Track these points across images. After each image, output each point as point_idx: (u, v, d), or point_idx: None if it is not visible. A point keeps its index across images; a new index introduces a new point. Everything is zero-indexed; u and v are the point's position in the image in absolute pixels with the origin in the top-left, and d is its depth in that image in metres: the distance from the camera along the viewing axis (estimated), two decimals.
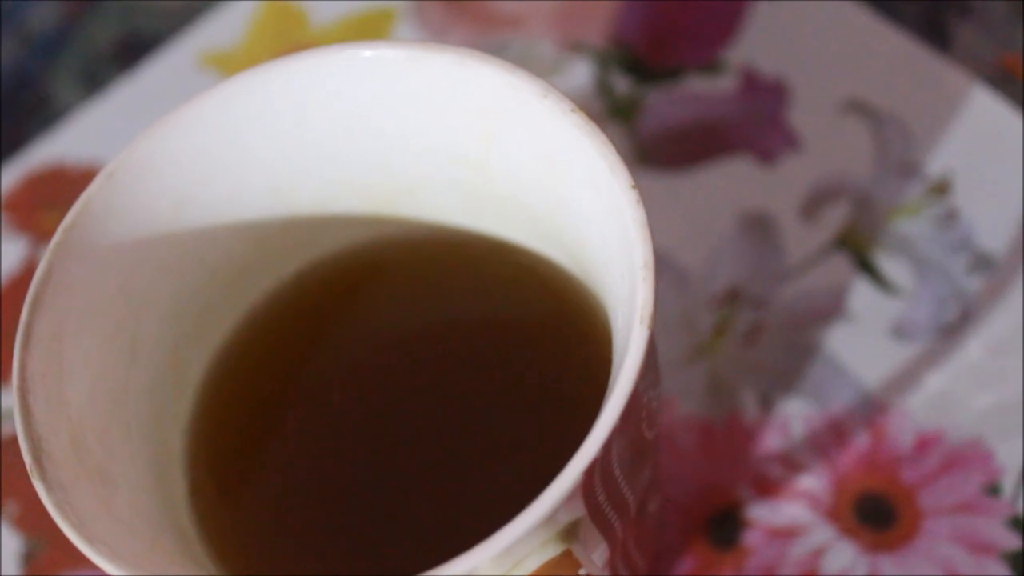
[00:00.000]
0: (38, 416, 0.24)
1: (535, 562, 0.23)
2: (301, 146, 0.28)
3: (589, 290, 0.27)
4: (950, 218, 0.36)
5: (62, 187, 0.42)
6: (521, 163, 0.27)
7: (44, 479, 0.24)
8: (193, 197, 0.28)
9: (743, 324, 0.36)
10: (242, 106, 0.28)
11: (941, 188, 0.37)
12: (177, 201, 0.28)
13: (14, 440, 0.38)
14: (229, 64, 0.43)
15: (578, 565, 0.23)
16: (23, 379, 0.25)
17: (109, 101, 0.43)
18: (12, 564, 0.36)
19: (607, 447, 0.22)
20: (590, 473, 0.22)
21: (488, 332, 0.29)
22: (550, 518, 0.22)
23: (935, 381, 0.35)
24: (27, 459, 0.24)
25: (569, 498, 0.22)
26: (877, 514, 0.33)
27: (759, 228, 0.37)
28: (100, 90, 0.43)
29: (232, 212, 0.28)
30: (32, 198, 0.42)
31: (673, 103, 0.39)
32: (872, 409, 0.34)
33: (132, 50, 0.44)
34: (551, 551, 0.23)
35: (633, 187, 0.24)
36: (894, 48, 0.39)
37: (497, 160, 0.27)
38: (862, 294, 0.36)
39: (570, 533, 0.24)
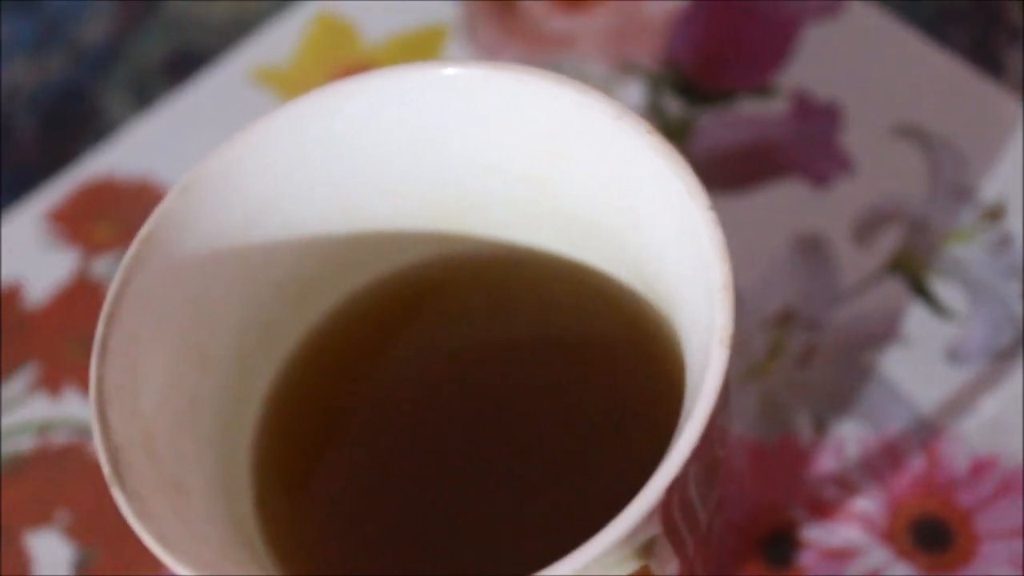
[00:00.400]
0: (115, 427, 0.25)
1: None
2: (370, 163, 0.28)
3: (658, 311, 0.27)
4: (1004, 243, 0.36)
5: (111, 200, 0.42)
6: (590, 183, 0.27)
7: (124, 489, 0.24)
8: (263, 212, 0.28)
9: (796, 346, 0.36)
10: (315, 123, 0.28)
11: (995, 213, 0.37)
12: (248, 216, 0.28)
13: (66, 450, 0.38)
14: (279, 80, 0.43)
15: None
16: (100, 391, 0.25)
17: (159, 115, 0.43)
18: (64, 573, 0.36)
19: (686, 465, 0.23)
20: (670, 491, 0.22)
21: (553, 351, 0.29)
22: (631, 535, 0.22)
23: (989, 405, 0.35)
24: (106, 469, 0.24)
25: (650, 515, 0.22)
26: (933, 537, 0.33)
27: (812, 251, 0.37)
28: (150, 104, 0.44)
29: (301, 227, 0.29)
30: (82, 210, 0.42)
31: (725, 126, 0.39)
32: (926, 433, 0.34)
33: (182, 65, 0.45)
34: (629, 567, 0.23)
35: (711, 208, 0.24)
36: (946, 72, 0.39)
37: (566, 179, 0.27)
38: (916, 318, 0.36)
39: (647, 550, 0.24)
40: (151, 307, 0.26)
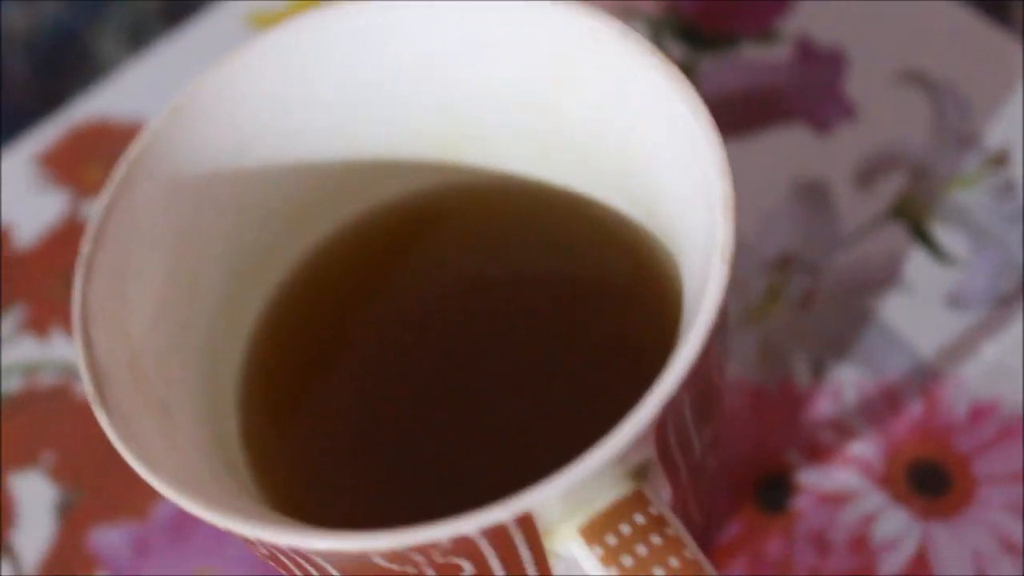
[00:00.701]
0: (99, 346, 0.24)
1: (605, 500, 0.23)
2: (366, 89, 0.28)
3: (657, 238, 0.27)
4: (1007, 189, 0.36)
5: (104, 142, 0.42)
6: (594, 107, 0.26)
7: (106, 407, 0.23)
8: (257, 135, 0.27)
9: (796, 290, 0.35)
10: (309, 46, 0.27)
11: (999, 160, 0.36)
12: (241, 139, 0.27)
13: (53, 391, 0.37)
14: (275, 23, 0.43)
15: (649, 504, 0.23)
16: (85, 309, 0.24)
17: (154, 58, 0.43)
18: (48, 515, 0.36)
19: (683, 384, 0.22)
20: (666, 410, 0.22)
21: (550, 280, 0.29)
22: (626, 453, 0.22)
23: (990, 351, 0.34)
24: (89, 388, 0.24)
25: (645, 433, 0.22)
26: (930, 481, 0.33)
27: (814, 196, 0.37)
28: (145, 47, 0.43)
29: (295, 153, 0.28)
30: (74, 153, 0.42)
31: (727, 71, 0.39)
32: (926, 377, 0.34)
33: (178, 8, 0.44)
34: (622, 490, 0.23)
35: (714, 128, 0.24)
36: (952, 19, 0.38)
37: (568, 104, 0.27)
38: (917, 263, 0.35)
39: (640, 474, 0.23)
40: (140, 228, 0.26)
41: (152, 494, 0.36)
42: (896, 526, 0.32)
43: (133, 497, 0.36)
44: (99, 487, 0.36)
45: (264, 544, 0.22)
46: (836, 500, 0.33)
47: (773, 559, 0.33)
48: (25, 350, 0.38)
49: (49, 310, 0.39)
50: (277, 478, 0.27)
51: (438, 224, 0.29)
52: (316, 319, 0.29)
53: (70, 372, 0.38)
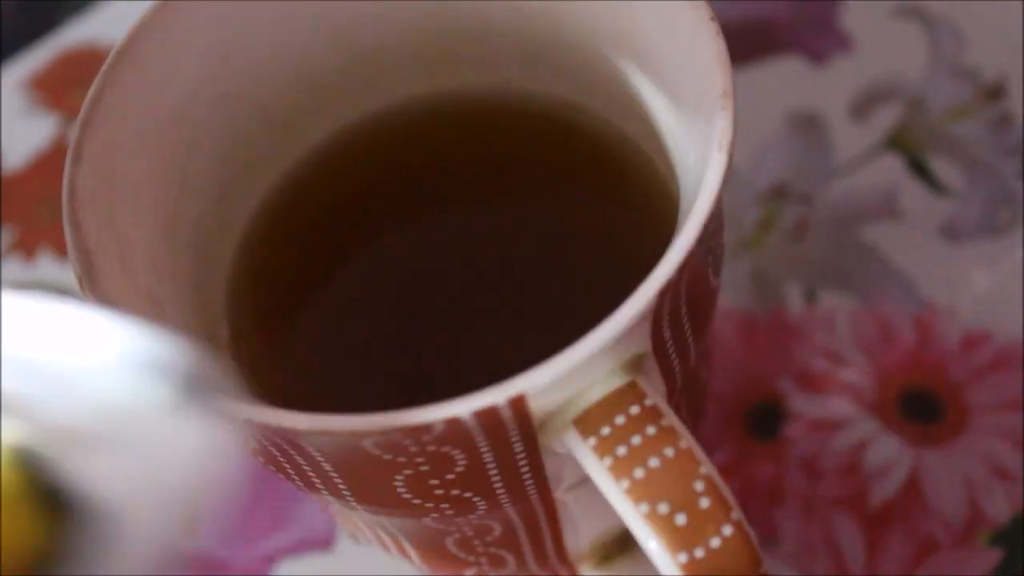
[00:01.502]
0: (87, 230, 0.24)
1: (600, 391, 0.22)
2: None
3: (654, 136, 0.27)
4: (1003, 121, 0.36)
5: (94, 67, 0.41)
6: (589, 5, 0.26)
7: (94, 291, 0.23)
8: (249, 33, 0.27)
9: (789, 220, 0.35)
10: None
11: (995, 92, 0.36)
12: (232, 36, 0.27)
13: None
14: None
15: (643, 395, 0.22)
16: (73, 193, 0.24)
17: None
18: None
19: (680, 271, 0.22)
20: (662, 296, 0.22)
21: (546, 181, 0.28)
22: (621, 338, 0.21)
23: (983, 281, 0.34)
24: (76, 270, 0.23)
25: (642, 317, 0.22)
26: (922, 409, 0.33)
27: (808, 127, 0.36)
28: None
29: (288, 51, 0.28)
30: (63, 77, 0.41)
31: (722, 2, 0.39)
32: (919, 307, 0.34)
33: None
34: (616, 381, 0.22)
35: (713, 19, 0.24)
36: None
37: (564, 6, 0.26)
38: (912, 194, 0.35)
39: (635, 366, 0.23)
40: (129, 118, 0.25)
41: None
42: (888, 453, 0.32)
43: None
44: None
45: (255, 430, 0.22)
46: (828, 427, 0.33)
47: (764, 484, 0.32)
48: (11, 272, 0.38)
49: (37, 234, 0.39)
50: (267, 381, 0.27)
51: (431, 130, 0.29)
52: (307, 223, 0.28)
53: (56, 294, 0.37)
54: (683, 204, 0.24)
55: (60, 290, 0.37)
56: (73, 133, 0.25)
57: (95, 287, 0.23)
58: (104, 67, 0.25)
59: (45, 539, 0.17)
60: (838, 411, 0.33)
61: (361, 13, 0.28)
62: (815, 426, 0.33)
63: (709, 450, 0.33)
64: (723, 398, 0.34)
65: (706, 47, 0.23)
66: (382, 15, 0.28)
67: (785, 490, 0.32)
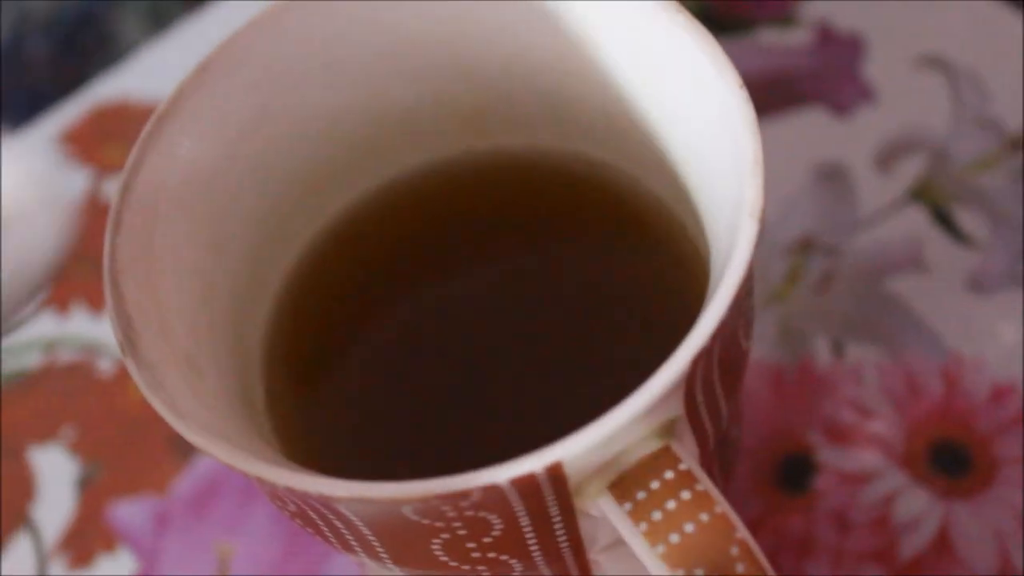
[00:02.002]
0: (129, 297, 0.24)
1: (634, 456, 0.23)
2: (389, 55, 0.28)
3: (682, 200, 0.27)
4: None
5: (125, 122, 0.42)
6: (618, 69, 0.26)
7: (135, 357, 0.23)
8: (281, 97, 0.27)
9: (815, 272, 0.36)
10: (332, 11, 0.27)
11: (1016, 143, 0.36)
12: (265, 101, 0.27)
13: (72, 367, 0.37)
14: None
15: (678, 460, 0.23)
16: (114, 260, 0.24)
17: (174, 40, 0.43)
18: (68, 489, 0.36)
19: (713, 338, 0.22)
20: (696, 362, 0.22)
21: (576, 243, 0.29)
22: (657, 404, 0.22)
23: (1010, 333, 0.34)
24: (118, 336, 0.24)
25: (676, 385, 0.22)
26: (951, 461, 0.33)
27: (833, 179, 0.37)
28: (165, 30, 0.43)
29: (322, 115, 0.28)
30: (95, 132, 0.42)
31: (747, 55, 0.39)
32: (946, 359, 0.34)
33: None
34: (650, 446, 0.23)
35: (742, 87, 0.24)
36: (969, 4, 0.38)
37: (590, 68, 0.27)
38: (937, 245, 0.35)
39: (668, 431, 0.23)
40: (167, 184, 0.26)
41: (172, 469, 0.36)
42: (918, 506, 0.32)
43: (153, 472, 0.36)
44: (119, 462, 0.36)
45: (294, 495, 0.22)
46: (857, 480, 0.33)
47: (794, 537, 0.33)
48: (45, 326, 0.38)
49: (70, 287, 0.39)
50: (301, 441, 0.27)
51: (463, 191, 0.29)
52: (339, 284, 0.29)
53: (90, 349, 0.38)
54: (714, 268, 0.25)
55: (92, 346, 0.38)
56: (113, 199, 0.25)
57: (136, 353, 0.24)
58: (143, 134, 0.26)
59: None
60: (867, 464, 0.33)
61: (394, 76, 0.28)
62: (844, 479, 0.33)
63: (739, 503, 0.33)
64: (752, 451, 0.34)
65: (735, 115, 0.24)
66: (415, 78, 0.28)
67: (815, 543, 0.32)
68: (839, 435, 0.34)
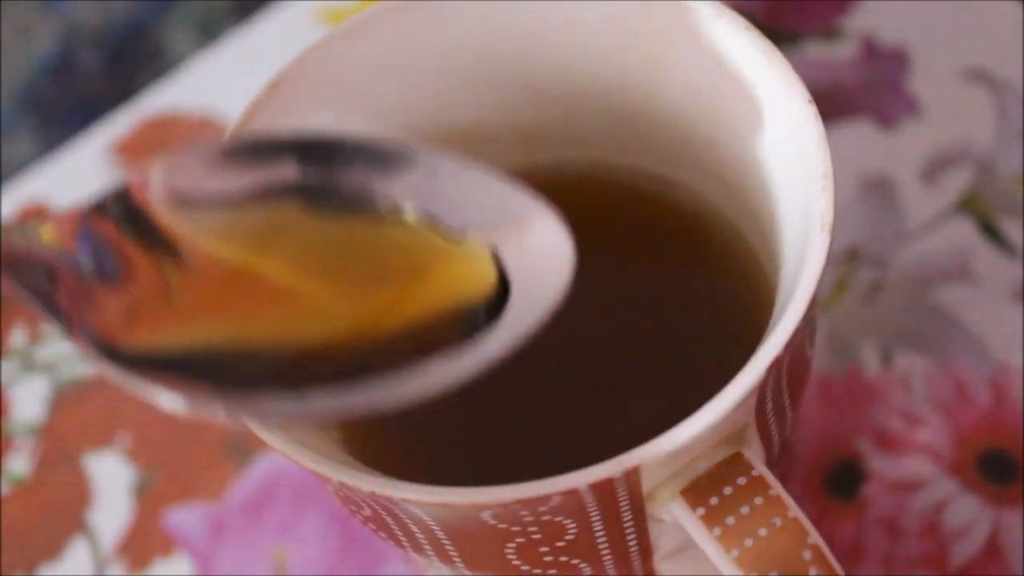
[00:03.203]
0: None
1: (707, 462, 0.23)
2: (456, 69, 0.29)
3: (748, 215, 0.28)
4: None
5: (175, 134, 0.42)
6: (685, 85, 0.27)
7: None
8: (354, 112, 0.28)
9: (863, 282, 0.36)
10: (400, 26, 0.28)
11: None
12: (335, 115, 0.28)
13: None
14: (344, 20, 0.43)
15: (751, 467, 0.23)
16: None
17: (223, 52, 0.43)
18: (124, 496, 0.36)
19: (787, 347, 0.23)
20: (770, 371, 0.22)
21: (641, 257, 0.29)
22: (734, 410, 0.22)
23: None
24: None
25: (749, 395, 0.22)
26: (1000, 469, 0.33)
27: (880, 191, 0.37)
28: (215, 41, 0.44)
29: (388, 130, 0.29)
30: (145, 143, 0.42)
31: (793, 67, 0.40)
32: (994, 369, 0.34)
33: (247, 5, 0.45)
34: (723, 452, 0.23)
35: (811, 102, 0.25)
36: (1014, 17, 0.39)
37: (659, 84, 0.27)
38: (984, 257, 0.36)
39: (739, 438, 0.24)
40: None
41: (227, 474, 0.36)
42: (968, 513, 0.33)
43: (208, 478, 0.36)
44: (174, 468, 0.37)
45: (375, 500, 0.23)
46: (907, 487, 0.33)
47: (845, 543, 0.33)
48: None
49: None
50: (370, 448, 0.28)
51: None
52: None
53: None
54: (783, 279, 0.25)
55: None
56: None
57: None
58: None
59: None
60: (917, 471, 0.34)
61: (459, 90, 0.29)
62: (894, 486, 0.33)
63: None
64: (803, 458, 0.34)
65: (805, 130, 0.24)
66: (480, 92, 0.29)
67: (866, 549, 0.33)
68: (888, 443, 0.34)
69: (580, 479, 0.22)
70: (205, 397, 0.21)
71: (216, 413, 0.21)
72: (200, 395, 0.21)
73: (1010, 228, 0.36)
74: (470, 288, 0.23)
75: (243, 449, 0.37)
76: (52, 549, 0.36)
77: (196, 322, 0.22)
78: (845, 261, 0.36)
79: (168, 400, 0.21)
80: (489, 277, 0.23)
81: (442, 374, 0.22)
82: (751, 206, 0.27)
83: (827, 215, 0.23)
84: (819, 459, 0.34)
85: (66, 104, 0.44)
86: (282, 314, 0.22)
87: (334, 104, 0.28)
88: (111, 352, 0.22)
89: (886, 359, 0.35)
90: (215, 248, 0.23)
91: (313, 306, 0.23)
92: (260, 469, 0.36)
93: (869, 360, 0.35)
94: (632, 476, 0.22)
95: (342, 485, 0.23)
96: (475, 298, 0.23)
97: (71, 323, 0.22)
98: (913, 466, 0.34)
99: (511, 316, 0.23)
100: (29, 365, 0.39)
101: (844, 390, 0.35)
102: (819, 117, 0.24)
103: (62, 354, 0.39)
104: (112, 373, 0.22)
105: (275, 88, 0.27)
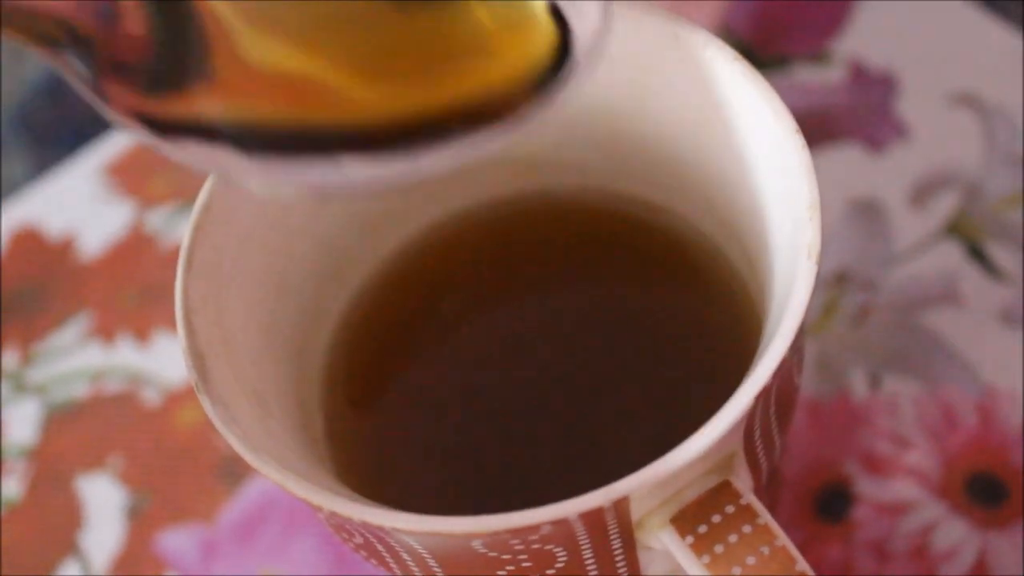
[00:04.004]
0: (200, 335, 0.25)
1: (696, 490, 0.23)
2: None
3: (734, 242, 0.28)
4: None
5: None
6: (674, 112, 0.27)
7: (209, 394, 0.24)
8: None
9: (852, 306, 0.36)
10: None
11: None
12: None
13: (119, 396, 0.38)
14: None
15: (739, 495, 0.23)
16: (186, 299, 0.25)
17: None
18: (116, 518, 0.36)
19: (774, 376, 0.23)
20: (757, 400, 0.23)
21: (629, 282, 0.29)
22: (722, 439, 0.22)
23: None
24: (192, 375, 0.24)
25: (737, 424, 0.23)
26: (987, 492, 0.34)
27: (868, 214, 0.37)
28: None
29: None
30: (138, 164, 0.43)
31: (781, 92, 0.40)
32: (981, 392, 0.35)
33: None
34: (711, 480, 0.23)
35: (798, 131, 0.25)
36: (1000, 42, 0.39)
37: (648, 111, 0.28)
38: (971, 280, 0.36)
39: (727, 467, 0.24)
40: (235, 225, 0.27)
41: (219, 497, 0.36)
42: (955, 536, 0.33)
43: (200, 500, 0.36)
44: (166, 491, 0.37)
45: (368, 528, 0.23)
46: (895, 510, 0.34)
47: (834, 566, 0.33)
48: (92, 356, 0.39)
49: (115, 318, 0.40)
50: (358, 470, 0.28)
51: (514, 231, 0.30)
52: (396, 319, 0.29)
53: (136, 378, 0.38)
54: (772, 307, 0.25)
55: (137, 376, 0.38)
56: (184, 240, 0.26)
57: (210, 390, 0.24)
58: (211, 178, 0.27)
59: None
60: (905, 494, 0.34)
61: None
62: (882, 509, 0.34)
63: None
64: (791, 481, 0.34)
65: (792, 158, 0.24)
66: None
67: (854, 572, 0.33)
68: (876, 466, 0.34)
69: (570, 508, 0.22)
70: (240, 162, 0.22)
71: (248, 179, 0.22)
72: (235, 160, 0.22)
73: (997, 252, 0.36)
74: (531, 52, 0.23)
75: (235, 472, 0.37)
76: (44, 571, 0.36)
77: (233, 98, 0.22)
78: (834, 284, 0.37)
79: (203, 161, 0.21)
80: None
81: (486, 139, 0.22)
82: (739, 233, 0.28)
83: (814, 245, 0.24)
84: (808, 482, 0.34)
85: (59, 126, 0.44)
86: (323, 100, 0.22)
87: None
88: (141, 117, 0.22)
89: (874, 382, 0.35)
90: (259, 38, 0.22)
91: (357, 97, 0.22)
92: (252, 492, 0.36)
93: (858, 383, 0.35)
94: (621, 505, 0.22)
95: (333, 514, 0.23)
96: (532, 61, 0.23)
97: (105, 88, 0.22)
98: (901, 489, 0.34)
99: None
100: (21, 387, 0.39)
101: (833, 413, 0.35)
102: (806, 147, 0.24)
103: (54, 376, 0.39)
104: (144, 136, 0.22)
105: None
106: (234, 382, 0.25)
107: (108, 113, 0.22)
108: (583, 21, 0.23)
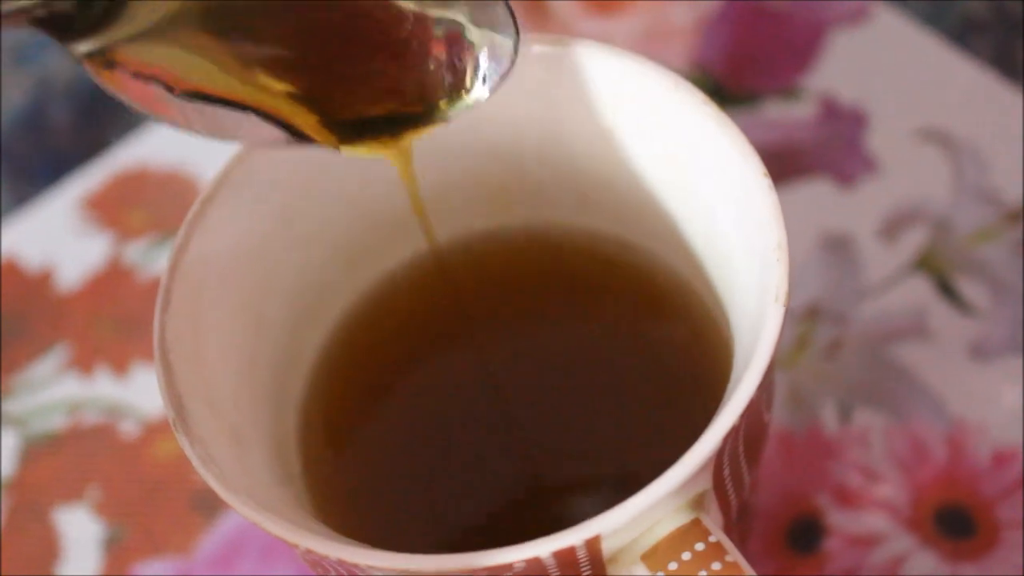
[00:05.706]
0: (179, 374, 0.25)
1: (666, 528, 0.24)
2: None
3: (705, 282, 0.28)
4: None
5: (145, 188, 0.43)
6: (644, 155, 0.28)
7: (187, 433, 0.24)
8: (324, 176, 0.29)
9: (823, 339, 0.37)
10: None
11: (1016, 215, 0.38)
12: (308, 179, 0.28)
13: (97, 428, 0.38)
14: None
15: (708, 533, 0.24)
16: (163, 339, 0.25)
17: None
18: (93, 550, 0.37)
19: (742, 416, 0.23)
20: (726, 440, 0.23)
21: (601, 321, 0.30)
22: (691, 478, 0.23)
23: (1011, 399, 0.35)
24: (170, 414, 0.25)
25: (706, 463, 0.23)
26: (957, 525, 0.34)
27: (839, 248, 0.38)
28: None
29: (357, 195, 0.29)
30: (116, 197, 0.43)
31: (752, 127, 0.40)
32: (950, 425, 0.35)
33: None
34: (681, 518, 0.24)
35: (766, 175, 0.25)
36: (968, 78, 0.40)
37: (618, 153, 0.28)
38: (940, 314, 0.37)
39: (697, 504, 0.24)
40: (212, 264, 0.27)
41: (195, 530, 0.36)
42: (925, 568, 0.33)
43: (176, 533, 0.37)
44: (143, 523, 0.37)
45: (344, 565, 0.23)
46: (866, 542, 0.34)
47: None
48: (69, 388, 0.39)
49: (93, 350, 0.40)
50: (336, 506, 0.28)
51: (489, 266, 0.31)
52: (373, 355, 0.30)
53: (113, 411, 0.39)
54: (738, 347, 0.26)
55: (115, 408, 0.39)
56: (162, 278, 0.26)
57: (188, 430, 0.24)
58: (189, 215, 0.27)
59: None
60: (875, 527, 0.34)
61: (428, 159, 0.29)
62: (853, 541, 0.34)
63: (753, 565, 0.34)
64: (764, 513, 0.35)
65: (759, 201, 0.25)
66: (446, 160, 0.29)
67: None
68: (847, 498, 0.35)
69: (543, 547, 0.22)
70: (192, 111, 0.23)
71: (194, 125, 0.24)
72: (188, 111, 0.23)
73: (966, 286, 0.37)
74: None
75: (211, 504, 0.37)
76: None
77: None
78: (806, 318, 0.37)
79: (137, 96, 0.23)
80: None
81: None
82: (708, 272, 0.28)
83: (782, 287, 0.24)
84: (780, 514, 0.35)
85: (37, 158, 0.44)
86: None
87: (304, 172, 0.28)
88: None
89: (845, 415, 0.36)
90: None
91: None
92: (228, 524, 0.37)
93: (829, 416, 0.36)
94: (593, 544, 0.23)
95: (309, 551, 0.23)
96: None
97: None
98: (872, 522, 0.34)
99: None
100: None
101: (805, 446, 0.35)
102: (774, 189, 0.25)
103: (32, 408, 0.39)
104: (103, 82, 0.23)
105: (247, 153, 0.28)
106: (212, 420, 0.25)
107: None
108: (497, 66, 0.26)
